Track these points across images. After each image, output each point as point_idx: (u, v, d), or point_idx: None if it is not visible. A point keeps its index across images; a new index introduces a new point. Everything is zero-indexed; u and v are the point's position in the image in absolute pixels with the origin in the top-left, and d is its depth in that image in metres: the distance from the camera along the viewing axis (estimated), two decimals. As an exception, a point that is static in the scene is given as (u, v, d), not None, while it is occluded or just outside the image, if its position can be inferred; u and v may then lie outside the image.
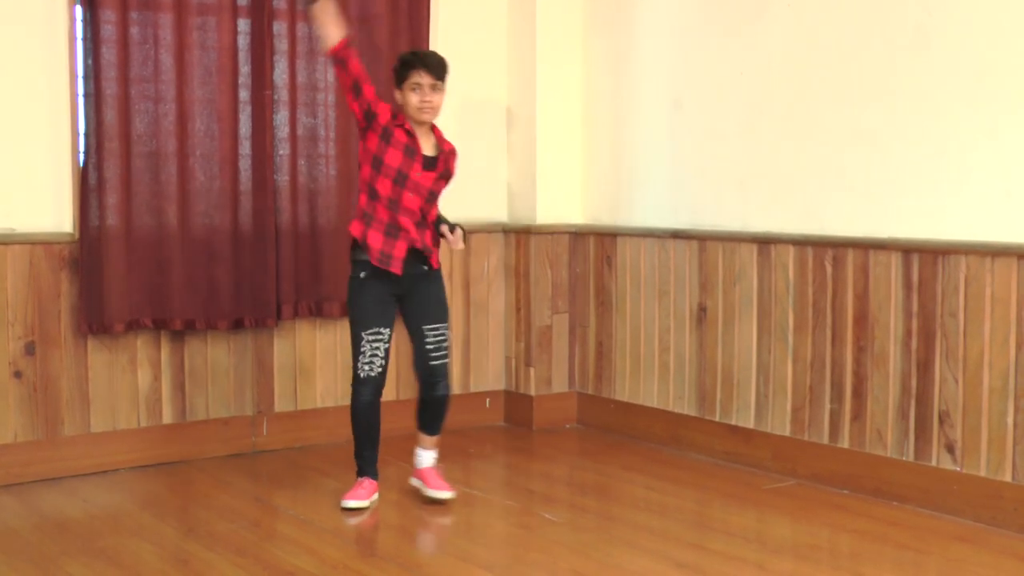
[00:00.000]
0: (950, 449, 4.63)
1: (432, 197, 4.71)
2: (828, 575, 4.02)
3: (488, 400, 6.39)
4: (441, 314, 4.80)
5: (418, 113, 4.61)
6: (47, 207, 5.22)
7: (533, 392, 6.28)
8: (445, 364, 4.81)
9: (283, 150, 5.66)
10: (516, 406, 6.37)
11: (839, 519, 4.64)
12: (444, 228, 4.74)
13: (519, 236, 6.29)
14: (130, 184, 5.30)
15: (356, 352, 4.70)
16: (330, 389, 5.91)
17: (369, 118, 4.57)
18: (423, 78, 4.61)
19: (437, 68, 4.65)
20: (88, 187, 5.22)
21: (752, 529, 4.61)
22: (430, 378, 4.79)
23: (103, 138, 5.23)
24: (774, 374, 5.28)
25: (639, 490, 5.16)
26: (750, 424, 5.41)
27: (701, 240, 5.60)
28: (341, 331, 5.90)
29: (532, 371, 6.28)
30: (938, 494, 4.67)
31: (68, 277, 5.25)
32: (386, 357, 4.72)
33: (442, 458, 5.70)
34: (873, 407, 4.89)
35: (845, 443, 5.00)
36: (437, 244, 4.80)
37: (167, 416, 5.51)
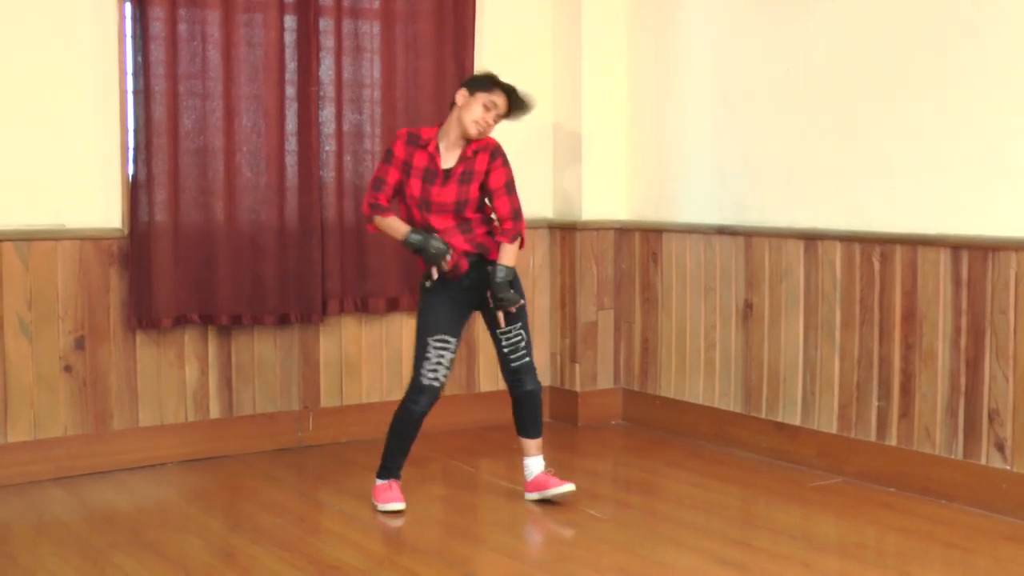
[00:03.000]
0: (1000, 447, 4.58)
1: (461, 206, 4.61)
2: (875, 574, 3.98)
3: (533, 396, 6.38)
4: (512, 317, 4.72)
5: (473, 126, 4.57)
6: (97, 203, 5.28)
7: (578, 388, 6.27)
8: (526, 363, 4.75)
9: (329, 146, 5.68)
10: (561, 402, 6.37)
11: (886, 517, 4.60)
12: (490, 296, 4.64)
13: (564, 232, 6.28)
14: (178, 180, 5.34)
15: (420, 358, 4.61)
16: (375, 384, 5.93)
17: (403, 169, 4.62)
18: (500, 106, 4.60)
19: (517, 108, 4.65)
20: (137, 183, 5.27)
21: (798, 527, 4.58)
22: (514, 376, 4.76)
23: (152, 134, 5.27)
24: (821, 371, 5.24)
25: (684, 487, 5.14)
26: (796, 421, 5.37)
27: (747, 236, 5.57)
28: (386, 327, 5.93)
29: (577, 367, 6.27)
30: (987, 493, 4.61)
31: (117, 272, 5.31)
32: (449, 368, 4.64)
33: (487, 454, 5.72)
34: (921, 405, 4.85)
35: (893, 441, 4.96)
36: (493, 241, 4.70)
37: (214, 411, 5.55)
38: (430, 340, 4.60)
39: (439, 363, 4.60)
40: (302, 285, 5.61)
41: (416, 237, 4.54)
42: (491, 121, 4.59)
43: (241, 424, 5.62)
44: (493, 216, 4.73)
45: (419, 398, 4.61)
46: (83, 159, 5.23)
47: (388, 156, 4.63)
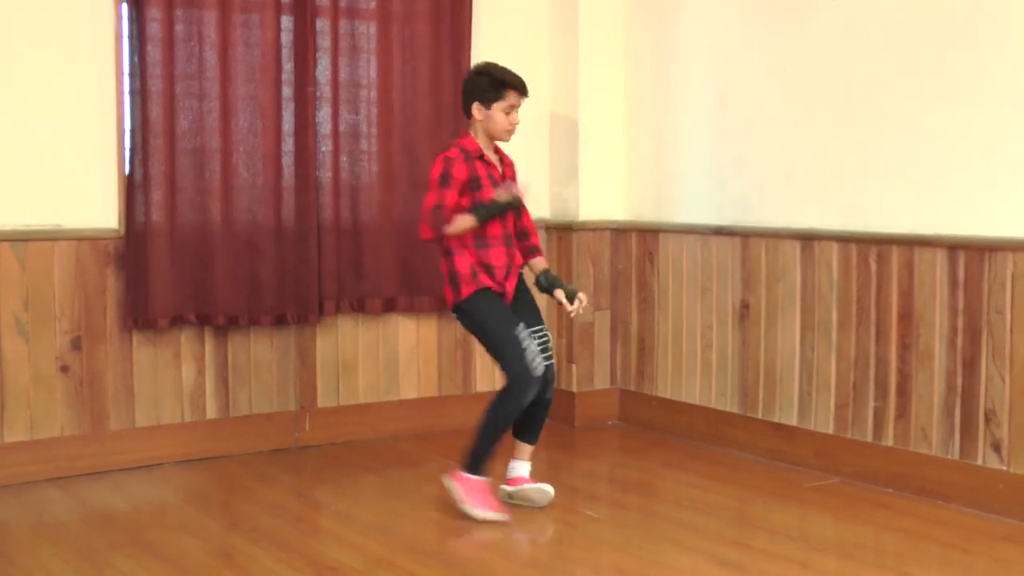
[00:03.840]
0: (996, 448, 4.59)
1: (516, 210, 4.69)
2: (872, 574, 3.99)
3: (529, 396, 6.38)
4: (538, 317, 4.72)
5: (505, 135, 4.62)
6: (93, 203, 5.27)
7: (575, 389, 6.28)
8: (552, 365, 4.70)
9: (325, 147, 5.69)
10: (558, 403, 6.31)
11: (883, 518, 4.61)
12: (559, 294, 4.65)
13: (561, 233, 6.28)
14: (174, 180, 5.34)
15: (515, 354, 4.49)
16: (372, 385, 5.93)
17: (468, 187, 4.55)
18: (519, 101, 4.62)
19: (526, 94, 4.67)
20: (134, 183, 5.27)
21: (795, 527, 4.59)
22: (543, 379, 4.62)
23: (148, 135, 5.27)
24: (817, 371, 5.25)
25: (681, 487, 5.15)
26: (793, 421, 5.38)
27: (744, 237, 5.58)
28: (383, 327, 5.93)
29: (574, 368, 6.27)
30: (984, 493, 4.62)
31: (114, 272, 5.30)
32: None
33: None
34: (918, 405, 4.86)
35: (889, 441, 4.97)
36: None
37: (211, 411, 5.55)
38: (517, 334, 4.52)
39: (536, 351, 4.55)
40: (299, 285, 5.61)
41: (503, 196, 4.52)
42: (517, 120, 4.64)
43: (238, 424, 5.62)
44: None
45: (529, 389, 4.50)
46: (80, 159, 5.23)
47: (446, 180, 4.49)
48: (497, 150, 4.72)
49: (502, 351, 4.53)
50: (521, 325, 4.55)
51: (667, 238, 6.00)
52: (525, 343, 4.50)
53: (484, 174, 4.58)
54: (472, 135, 4.65)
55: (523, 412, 4.60)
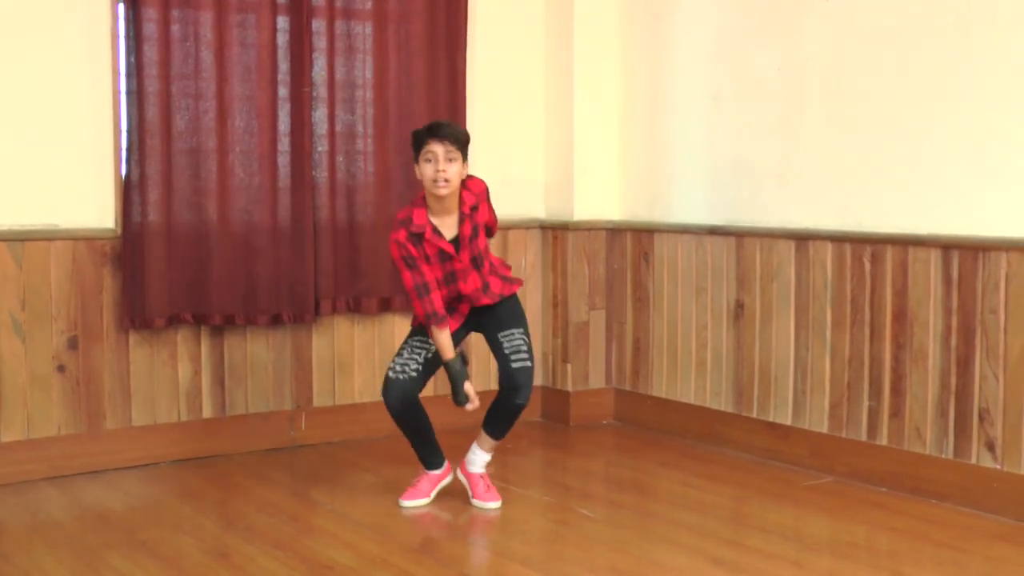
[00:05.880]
0: (990, 447, 4.60)
1: (478, 262, 4.65)
2: (867, 573, 4.00)
3: (525, 396, 6.39)
4: (514, 322, 4.73)
5: (433, 186, 4.44)
6: (90, 203, 5.28)
7: (570, 388, 6.29)
8: (527, 368, 4.66)
9: (321, 147, 5.69)
10: (553, 402, 6.38)
11: (877, 517, 4.62)
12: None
13: (556, 232, 6.29)
14: (171, 180, 5.35)
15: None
16: (368, 384, 5.94)
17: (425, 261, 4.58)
18: (436, 147, 4.43)
19: (451, 137, 4.44)
20: (130, 183, 5.28)
21: (790, 526, 4.60)
22: (511, 381, 4.65)
23: (145, 135, 5.28)
24: (812, 371, 5.26)
25: (676, 486, 5.16)
26: (787, 421, 5.39)
27: (739, 236, 5.59)
28: (379, 327, 5.94)
29: (569, 367, 6.28)
30: (978, 492, 4.64)
31: (110, 272, 5.31)
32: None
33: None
34: (912, 404, 4.87)
35: (884, 440, 4.98)
36: (507, 279, 4.77)
37: (207, 410, 5.56)
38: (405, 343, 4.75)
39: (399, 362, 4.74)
40: (295, 285, 5.62)
41: (456, 369, 4.62)
42: (442, 167, 4.43)
43: (234, 424, 5.62)
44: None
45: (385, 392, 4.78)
46: (76, 159, 5.23)
47: (410, 261, 4.52)
48: (464, 208, 4.58)
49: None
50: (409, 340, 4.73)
51: (662, 238, 6.01)
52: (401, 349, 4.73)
53: (432, 252, 4.56)
54: (422, 202, 4.59)
55: (492, 405, 4.76)
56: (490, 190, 4.72)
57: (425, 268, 4.55)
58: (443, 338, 4.59)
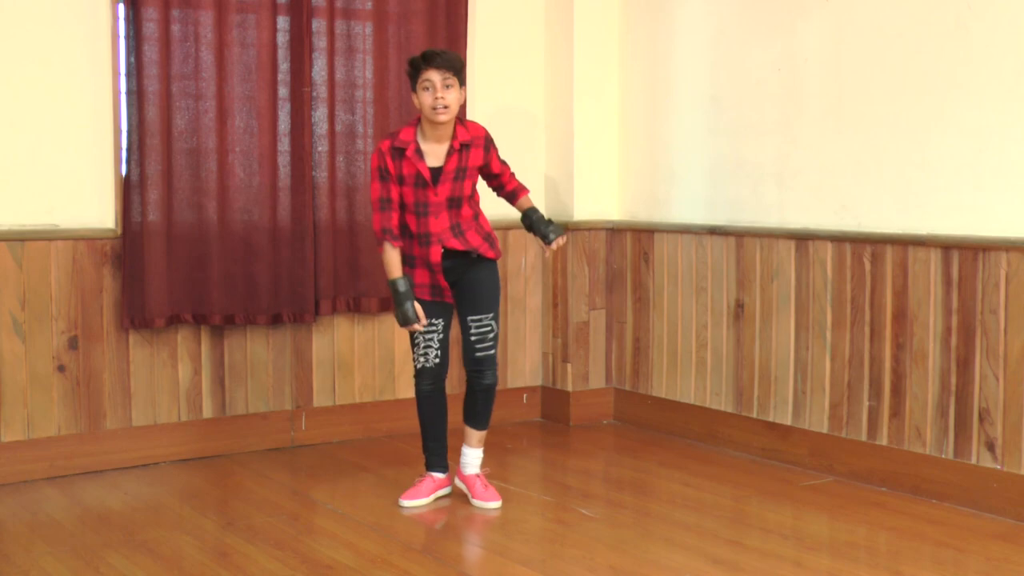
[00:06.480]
0: (990, 447, 4.61)
1: (455, 203, 4.65)
2: (866, 573, 4.00)
3: (525, 396, 6.40)
4: (486, 305, 4.76)
5: (432, 113, 4.50)
6: (90, 203, 5.28)
7: (570, 388, 6.29)
8: (490, 356, 4.78)
9: (321, 147, 5.70)
10: (553, 402, 6.38)
11: (877, 517, 4.63)
12: (546, 234, 4.81)
13: (556, 232, 6.29)
14: (171, 180, 5.36)
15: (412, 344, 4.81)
16: (368, 384, 5.94)
17: (398, 181, 4.62)
18: (433, 75, 4.50)
19: (446, 64, 4.52)
20: (130, 183, 5.28)
21: (789, 526, 4.60)
22: (476, 366, 4.77)
23: (145, 135, 5.28)
24: (812, 371, 5.27)
25: (676, 486, 5.16)
26: (787, 421, 5.40)
27: (738, 236, 5.59)
28: (379, 326, 5.94)
29: (569, 367, 6.29)
30: (978, 492, 4.64)
31: (110, 272, 5.31)
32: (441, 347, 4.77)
33: (479, 453, 5.70)
34: (912, 404, 4.87)
35: (884, 440, 4.98)
36: (489, 239, 4.76)
37: (207, 410, 5.56)
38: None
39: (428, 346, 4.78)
40: (295, 285, 5.62)
41: (402, 289, 4.62)
42: (441, 95, 4.50)
43: (234, 423, 5.63)
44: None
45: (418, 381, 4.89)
46: (76, 159, 5.23)
47: (384, 174, 4.60)
48: (455, 142, 4.62)
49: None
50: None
51: (662, 238, 6.01)
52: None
53: (409, 172, 4.59)
54: (416, 124, 4.65)
55: (465, 398, 4.87)
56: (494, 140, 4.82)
57: (395, 188, 4.60)
58: (391, 256, 4.63)
